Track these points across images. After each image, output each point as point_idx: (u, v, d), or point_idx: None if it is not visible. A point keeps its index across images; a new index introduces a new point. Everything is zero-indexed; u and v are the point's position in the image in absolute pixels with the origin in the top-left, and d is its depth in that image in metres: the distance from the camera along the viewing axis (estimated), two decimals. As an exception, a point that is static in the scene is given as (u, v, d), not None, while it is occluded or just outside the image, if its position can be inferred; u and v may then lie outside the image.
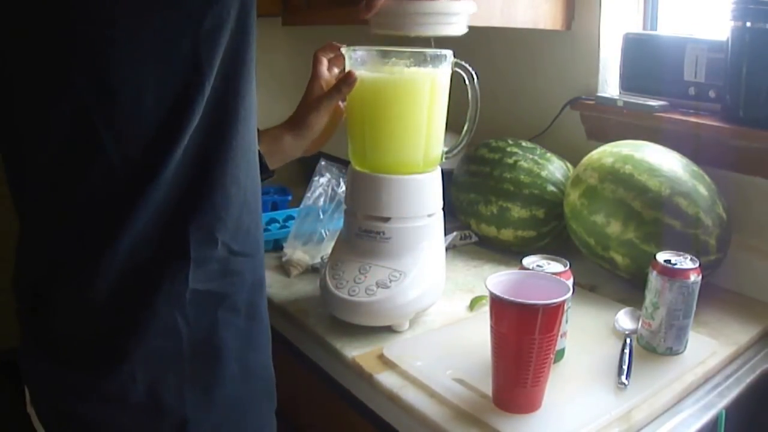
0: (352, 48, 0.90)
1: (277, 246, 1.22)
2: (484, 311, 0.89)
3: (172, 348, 0.63)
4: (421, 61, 0.90)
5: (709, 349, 0.87)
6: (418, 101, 0.89)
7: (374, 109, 0.91)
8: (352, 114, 0.93)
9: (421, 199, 0.93)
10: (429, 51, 0.90)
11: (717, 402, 0.80)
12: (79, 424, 0.64)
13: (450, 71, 0.92)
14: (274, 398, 0.77)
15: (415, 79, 0.89)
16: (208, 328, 0.65)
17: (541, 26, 1.25)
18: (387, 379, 0.81)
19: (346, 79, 0.87)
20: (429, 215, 0.93)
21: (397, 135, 0.91)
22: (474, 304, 1.01)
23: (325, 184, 1.26)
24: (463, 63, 0.91)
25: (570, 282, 0.77)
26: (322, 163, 1.30)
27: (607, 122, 1.25)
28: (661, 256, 0.86)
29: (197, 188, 0.61)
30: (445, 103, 0.92)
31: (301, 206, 1.24)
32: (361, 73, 0.89)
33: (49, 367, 0.65)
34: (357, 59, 0.91)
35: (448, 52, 0.90)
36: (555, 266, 0.84)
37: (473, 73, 0.91)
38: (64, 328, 0.64)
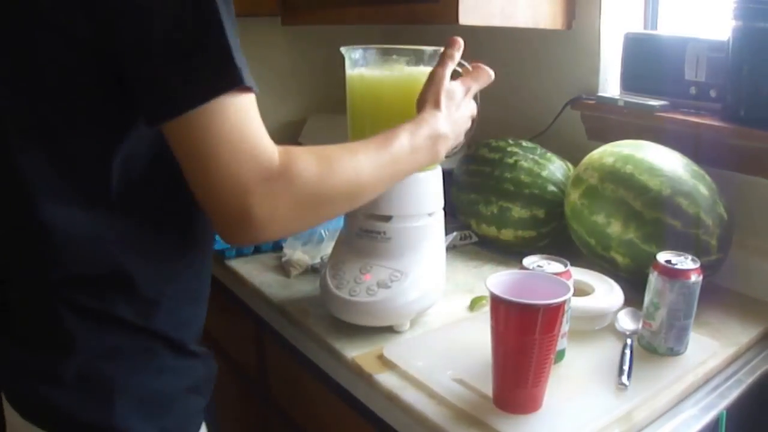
0: (351, 48, 0.90)
1: (276, 246, 1.22)
2: (484, 311, 0.89)
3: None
4: (421, 58, 0.90)
5: (709, 349, 0.87)
6: None
7: (375, 107, 0.91)
8: (354, 112, 0.93)
9: (422, 197, 0.92)
10: (428, 48, 0.90)
11: (718, 403, 0.80)
12: (46, 407, 0.67)
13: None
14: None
15: (415, 77, 0.89)
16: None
17: (541, 26, 1.25)
18: (387, 379, 0.81)
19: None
20: (429, 214, 0.93)
21: None
22: (474, 304, 1.01)
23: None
24: (462, 60, 0.91)
25: (570, 282, 0.76)
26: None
27: (608, 122, 1.25)
28: (662, 257, 0.85)
29: None
30: None
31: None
32: (361, 71, 0.89)
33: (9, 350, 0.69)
34: (357, 59, 0.90)
35: None
36: (555, 266, 0.84)
37: (468, 67, 0.91)
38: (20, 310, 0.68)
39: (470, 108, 0.86)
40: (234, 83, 0.59)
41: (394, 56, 0.91)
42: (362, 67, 0.90)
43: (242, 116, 0.60)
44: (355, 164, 0.69)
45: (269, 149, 0.61)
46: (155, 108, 0.59)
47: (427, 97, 0.81)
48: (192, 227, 0.72)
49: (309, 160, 0.64)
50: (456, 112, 0.82)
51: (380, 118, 0.91)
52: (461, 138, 0.86)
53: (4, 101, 0.62)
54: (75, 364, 0.65)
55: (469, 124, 0.87)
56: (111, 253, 0.65)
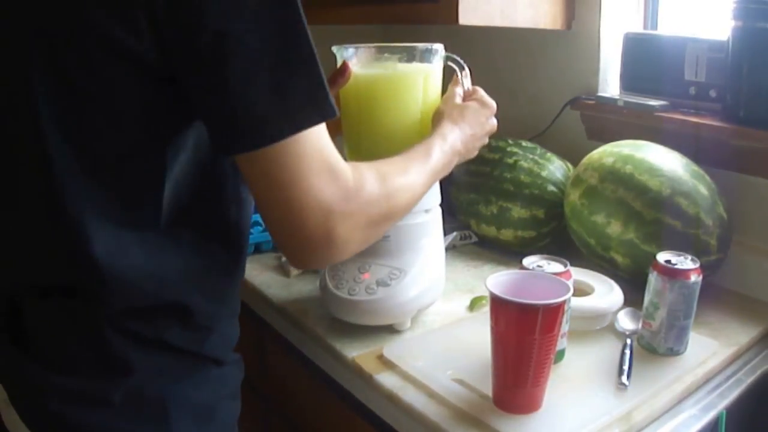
0: (343, 46, 0.90)
1: (276, 246, 1.22)
2: (484, 311, 0.89)
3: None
4: (413, 55, 0.90)
5: (709, 349, 0.87)
6: (412, 95, 0.89)
7: (368, 105, 0.91)
8: (347, 111, 0.93)
9: None
10: (420, 45, 0.90)
11: (718, 403, 0.80)
12: (66, 427, 0.64)
13: (442, 65, 0.92)
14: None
15: (408, 74, 0.89)
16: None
17: (541, 26, 1.25)
18: (387, 379, 0.81)
19: (342, 71, 0.88)
20: (426, 211, 0.93)
21: (392, 130, 0.91)
22: (474, 304, 1.01)
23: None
24: (454, 56, 0.91)
25: (570, 282, 0.76)
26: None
27: (608, 122, 1.25)
28: (662, 257, 0.85)
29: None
30: (438, 97, 0.92)
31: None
32: (354, 70, 0.89)
33: (32, 368, 0.66)
34: (349, 57, 0.90)
35: (439, 46, 0.90)
36: (555, 266, 0.84)
37: (465, 65, 0.91)
38: (47, 331, 0.65)
39: (489, 125, 0.89)
40: (328, 114, 0.59)
41: (386, 54, 0.90)
42: (354, 66, 0.90)
43: (322, 138, 0.60)
44: (410, 180, 0.72)
45: (344, 168, 0.61)
46: (238, 138, 0.57)
47: (446, 113, 0.85)
48: (237, 246, 0.72)
49: (375, 178, 0.65)
50: (470, 130, 0.85)
51: (373, 115, 0.91)
52: (473, 154, 0.88)
53: (47, 123, 0.59)
54: (124, 387, 0.64)
55: (484, 141, 0.89)
56: (166, 286, 0.64)
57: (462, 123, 0.84)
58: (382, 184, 0.66)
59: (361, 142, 0.93)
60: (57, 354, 0.65)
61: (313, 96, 0.58)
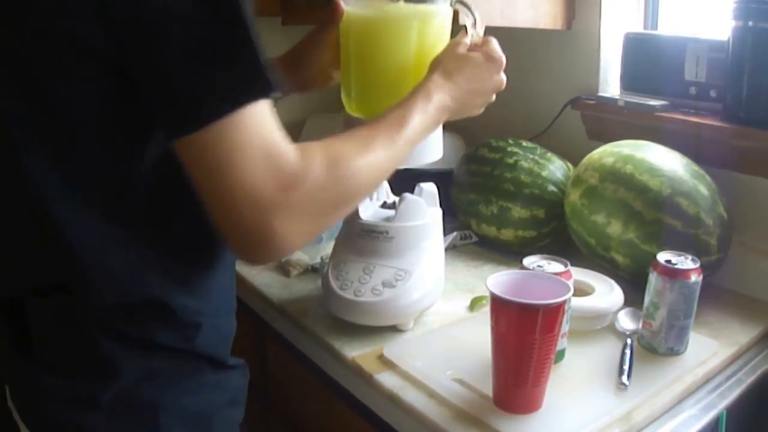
0: None
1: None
2: (484, 311, 0.89)
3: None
4: None
5: (710, 349, 0.87)
6: (404, 40, 0.82)
7: (359, 47, 0.84)
8: (343, 52, 0.87)
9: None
10: None
11: (718, 403, 0.80)
12: (57, 428, 0.65)
13: (450, 11, 0.86)
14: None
15: (400, 16, 0.82)
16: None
17: (541, 26, 1.25)
18: (387, 379, 0.81)
19: (333, 9, 0.85)
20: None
21: (382, 76, 0.84)
22: (474, 304, 1.01)
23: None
24: (465, 1, 0.84)
25: (570, 282, 0.76)
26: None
27: (608, 122, 1.25)
28: (662, 256, 0.85)
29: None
30: (441, 45, 0.83)
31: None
32: (347, 8, 0.83)
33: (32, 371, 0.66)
34: None
35: None
36: (555, 266, 0.84)
37: (474, 14, 0.84)
38: (46, 331, 0.65)
39: (494, 82, 0.80)
40: (266, 91, 0.56)
41: None
42: (348, 4, 0.83)
43: (263, 120, 0.56)
44: (372, 159, 0.65)
45: (287, 154, 0.57)
46: (177, 120, 0.55)
47: (441, 64, 0.77)
48: (216, 241, 0.69)
49: (324, 162, 0.59)
50: (467, 84, 0.77)
51: (364, 60, 0.85)
52: (471, 113, 0.81)
53: (20, 131, 0.59)
54: (115, 389, 0.63)
55: (488, 99, 0.82)
56: (145, 282, 0.63)
57: (457, 76, 0.76)
58: (332, 168, 0.59)
59: (352, 86, 0.87)
60: (50, 354, 0.65)
61: (251, 74, 0.55)
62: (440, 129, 0.83)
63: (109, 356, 0.63)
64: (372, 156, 0.65)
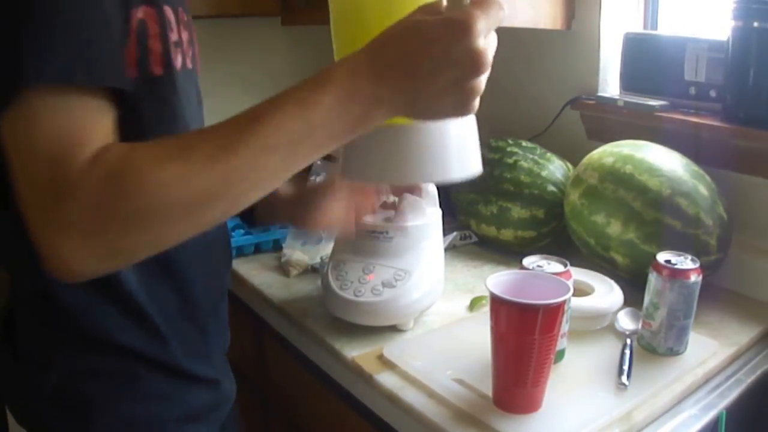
0: None
1: (276, 246, 1.22)
2: (484, 311, 0.89)
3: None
4: None
5: (709, 349, 0.87)
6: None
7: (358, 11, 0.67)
8: (341, 25, 0.72)
9: None
10: None
11: (717, 403, 0.80)
12: (32, 416, 0.67)
13: None
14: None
15: None
16: None
17: (541, 26, 1.25)
18: (386, 379, 0.81)
19: None
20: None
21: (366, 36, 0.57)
22: (474, 304, 1.01)
23: (323, 184, 1.26)
24: None
25: (570, 282, 0.76)
26: (318, 162, 1.29)
27: (608, 122, 1.25)
28: (662, 257, 0.85)
29: None
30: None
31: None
32: None
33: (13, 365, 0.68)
34: None
35: None
36: (555, 266, 0.84)
37: None
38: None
39: (470, 55, 0.50)
40: (64, 74, 0.47)
41: None
42: None
43: (58, 112, 0.48)
44: (187, 169, 0.48)
45: (75, 160, 0.47)
46: None
47: (392, 30, 0.52)
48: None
49: (108, 172, 0.47)
50: (412, 66, 0.51)
51: (348, 15, 0.70)
52: (434, 112, 0.55)
53: None
54: (54, 379, 0.64)
55: (459, 95, 0.52)
56: (118, 286, 0.62)
57: (408, 52, 0.51)
58: (113, 181, 0.47)
59: (338, 45, 0.72)
60: (14, 340, 0.67)
61: (45, 50, 0.47)
62: (475, 137, 0.67)
63: (49, 342, 0.64)
64: (186, 168, 0.48)
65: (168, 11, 0.61)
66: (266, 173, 0.51)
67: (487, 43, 0.51)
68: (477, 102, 0.53)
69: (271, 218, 0.88)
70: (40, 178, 0.47)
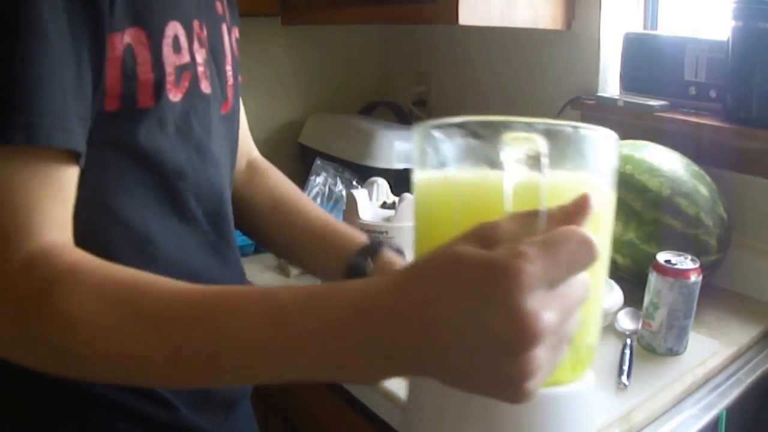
0: (438, 126, 0.41)
1: (276, 246, 1.22)
2: (484, 311, 0.89)
3: None
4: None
5: (709, 349, 0.87)
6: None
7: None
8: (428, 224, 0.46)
9: None
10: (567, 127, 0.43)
11: (717, 402, 0.80)
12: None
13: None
14: None
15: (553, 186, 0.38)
16: None
17: (541, 26, 1.25)
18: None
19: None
20: None
21: None
22: (474, 304, 1.01)
23: (321, 184, 1.26)
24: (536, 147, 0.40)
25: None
26: (318, 162, 1.30)
27: (608, 122, 1.24)
28: (662, 257, 0.85)
29: None
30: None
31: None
32: (451, 173, 0.42)
33: None
34: (445, 151, 0.42)
35: (606, 134, 0.46)
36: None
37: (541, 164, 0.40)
38: None
39: (510, 324, 0.32)
40: (8, 135, 0.41)
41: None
42: (452, 164, 0.42)
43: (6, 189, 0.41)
44: (126, 325, 0.39)
45: (16, 246, 0.41)
46: None
47: (418, 264, 0.37)
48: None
49: (41, 283, 0.40)
50: (440, 321, 0.34)
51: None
52: (480, 389, 0.35)
53: None
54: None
55: (505, 365, 0.33)
56: None
57: (426, 294, 0.34)
58: (41, 299, 0.40)
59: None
60: None
61: None
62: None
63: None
64: (132, 326, 0.39)
65: (175, 28, 0.54)
66: (201, 368, 0.39)
67: (546, 302, 0.33)
68: (536, 385, 0.34)
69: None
70: None
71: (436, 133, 0.42)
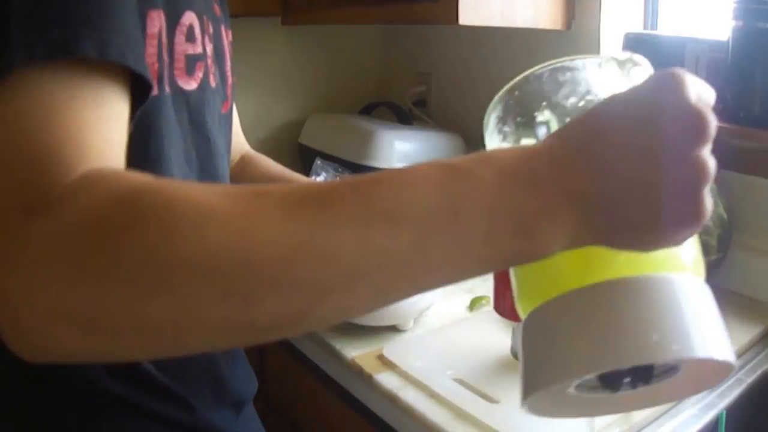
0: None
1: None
2: (484, 311, 0.89)
3: None
4: None
5: (709, 349, 0.87)
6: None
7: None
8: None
9: None
10: None
11: (717, 403, 0.80)
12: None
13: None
14: None
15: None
16: None
17: (541, 26, 1.25)
18: (387, 379, 0.81)
19: None
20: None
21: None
22: (474, 304, 1.01)
23: (322, 184, 1.26)
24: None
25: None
26: (318, 162, 1.30)
27: (608, 122, 1.25)
28: (662, 256, 0.85)
29: None
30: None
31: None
32: None
33: None
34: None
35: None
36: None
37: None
38: None
39: (691, 119, 0.35)
40: (54, 51, 0.36)
41: None
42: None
43: (44, 104, 0.35)
44: (261, 223, 0.32)
45: (61, 167, 0.33)
46: None
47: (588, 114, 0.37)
48: None
49: (122, 185, 0.32)
50: (627, 159, 0.35)
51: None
52: (619, 231, 0.37)
53: None
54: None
55: (652, 215, 0.37)
56: None
57: (611, 135, 0.35)
58: (134, 199, 0.31)
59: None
60: None
61: (39, 26, 0.36)
62: (719, 321, 0.40)
63: None
64: (266, 217, 0.32)
65: (191, 18, 0.54)
66: (371, 267, 0.33)
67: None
68: (709, 203, 0.37)
69: None
70: (9, 182, 0.33)
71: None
